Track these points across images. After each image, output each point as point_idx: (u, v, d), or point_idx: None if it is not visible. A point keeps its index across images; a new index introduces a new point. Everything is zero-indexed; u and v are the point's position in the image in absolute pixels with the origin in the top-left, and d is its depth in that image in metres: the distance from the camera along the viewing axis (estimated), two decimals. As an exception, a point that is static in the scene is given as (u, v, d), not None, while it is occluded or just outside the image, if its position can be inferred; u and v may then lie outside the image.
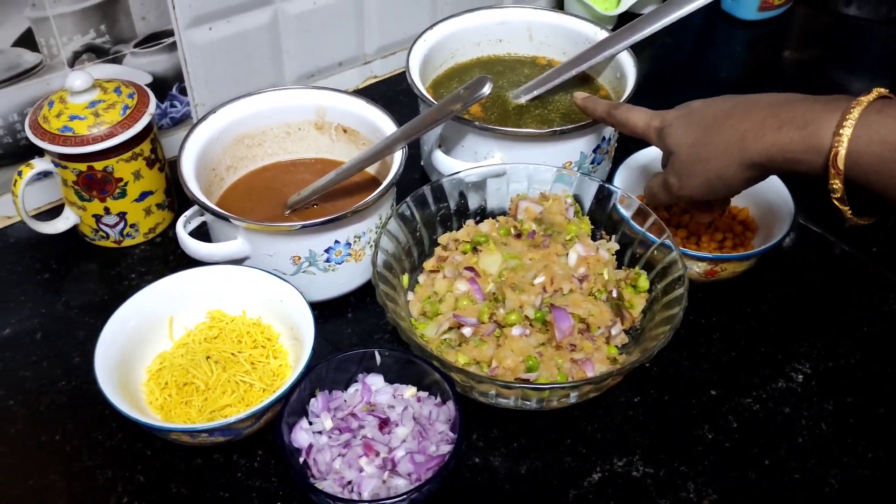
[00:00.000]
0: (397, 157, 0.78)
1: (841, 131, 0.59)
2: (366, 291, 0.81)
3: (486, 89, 0.74)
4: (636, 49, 0.89)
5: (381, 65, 1.11)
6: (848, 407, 0.74)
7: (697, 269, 0.79)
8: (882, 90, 0.61)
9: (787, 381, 0.76)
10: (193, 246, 0.74)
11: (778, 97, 0.65)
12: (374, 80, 1.11)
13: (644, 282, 0.74)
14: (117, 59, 0.87)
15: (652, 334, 0.70)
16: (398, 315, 0.69)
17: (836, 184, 0.60)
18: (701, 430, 0.72)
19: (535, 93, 0.91)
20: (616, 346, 0.72)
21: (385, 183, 0.76)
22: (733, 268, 0.80)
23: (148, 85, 0.90)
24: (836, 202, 0.62)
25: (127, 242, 0.86)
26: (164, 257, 0.86)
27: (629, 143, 0.93)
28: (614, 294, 0.74)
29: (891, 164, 0.58)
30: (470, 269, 0.75)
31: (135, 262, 0.85)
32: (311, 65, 1.03)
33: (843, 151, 0.59)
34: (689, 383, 0.76)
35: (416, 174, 0.96)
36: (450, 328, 0.72)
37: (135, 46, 0.87)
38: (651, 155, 0.89)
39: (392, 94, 1.07)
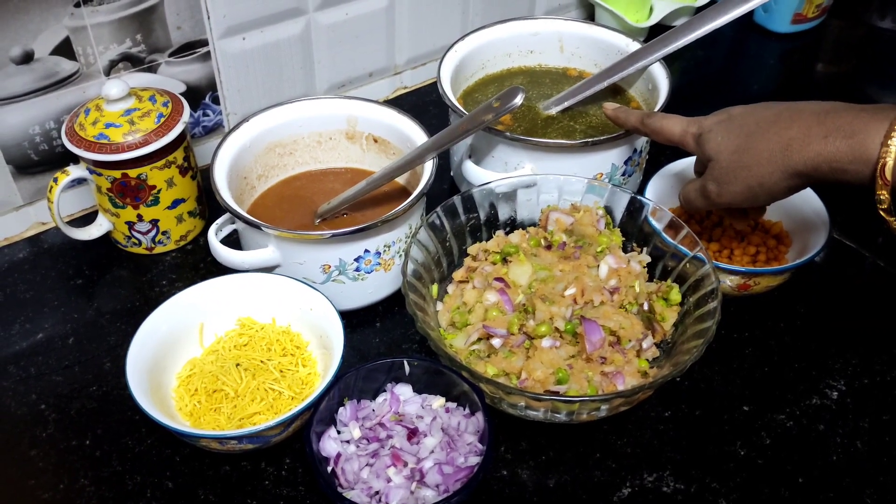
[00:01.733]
0: (428, 168, 0.78)
1: (889, 142, 0.58)
2: (394, 301, 0.81)
3: (519, 100, 0.74)
4: (667, 61, 0.88)
5: (411, 75, 1.11)
6: (884, 425, 0.73)
7: (730, 282, 0.79)
8: None
9: (821, 398, 0.75)
10: (225, 253, 0.75)
11: (823, 105, 0.64)
12: (403, 91, 1.12)
13: (676, 295, 0.73)
14: (152, 68, 0.88)
15: (684, 348, 0.69)
16: (427, 325, 0.69)
17: (884, 195, 0.59)
18: (733, 447, 0.71)
19: (566, 104, 0.91)
20: (647, 360, 0.71)
21: (415, 193, 0.76)
22: (767, 282, 0.79)
23: (182, 94, 0.91)
24: (882, 213, 0.61)
25: (159, 249, 0.87)
26: (195, 265, 0.86)
27: (660, 155, 0.92)
28: (645, 307, 0.73)
29: None
30: (500, 279, 0.74)
31: (166, 269, 0.86)
32: (342, 75, 1.04)
33: (891, 162, 0.58)
34: (722, 398, 0.75)
35: (446, 184, 0.96)
36: (479, 339, 0.71)
37: (170, 56, 0.88)
38: (683, 166, 0.88)
39: (421, 105, 1.08)
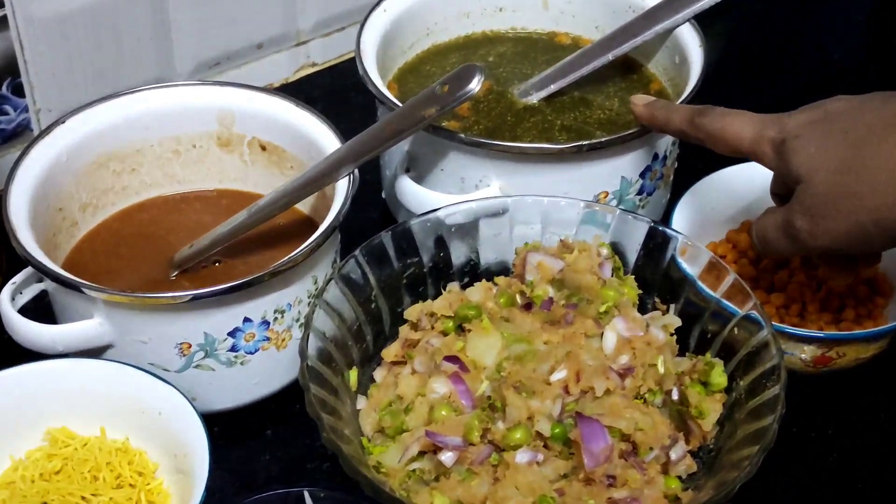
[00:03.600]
0: (341, 189, 0.78)
1: None
2: (294, 394, 0.78)
3: (475, 84, 0.73)
4: (704, 20, 0.89)
5: (321, 46, 1.11)
6: None
7: (803, 355, 0.79)
8: None
9: (943, 527, 0.74)
10: (27, 329, 0.74)
11: None
12: (312, 70, 1.12)
13: (720, 376, 0.73)
14: (-84, 44, 0.87)
15: (733, 458, 0.68)
16: (339, 435, 0.68)
17: None
18: None
19: (554, 87, 0.91)
20: (679, 478, 0.71)
21: (323, 227, 0.76)
22: (856, 352, 0.79)
23: (-37, 81, 0.90)
24: None
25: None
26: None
27: (696, 159, 0.93)
28: (675, 396, 0.73)
29: None
30: (453, 359, 0.74)
31: (-64, 353, 0.85)
32: (216, 48, 1.04)
33: None
34: (794, 533, 0.74)
35: (375, 212, 0.96)
36: (421, 453, 0.70)
37: (-56, 24, 0.88)
38: (732, 177, 0.88)
39: (340, 91, 1.08)
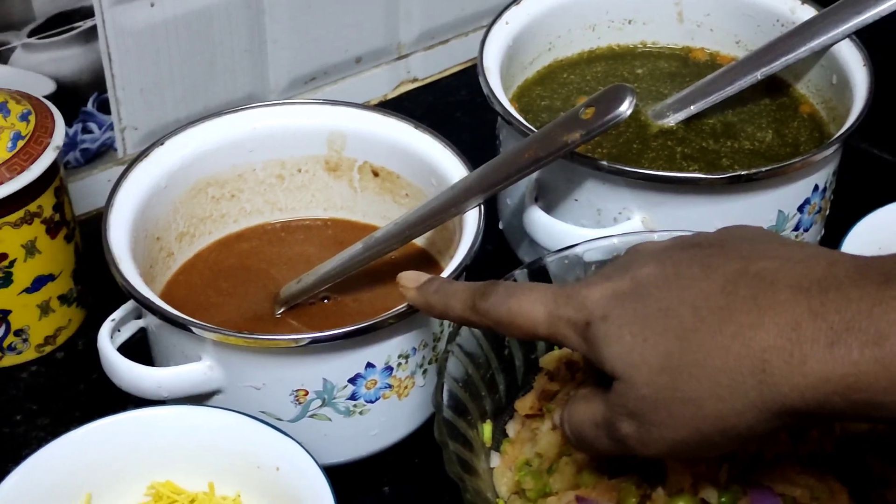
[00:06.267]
0: (470, 222, 0.78)
1: None
2: (413, 447, 0.80)
3: (626, 107, 0.72)
4: (866, 34, 0.88)
5: (423, 61, 1.13)
6: None
7: None
8: None
9: None
10: (128, 371, 0.74)
11: (811, 266, 0.57)
12: (412, 86, 1.13)
13: None
14: (2, 56, 0.88)
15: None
16: (482, 499, 0.66)
17: None
18: None
19: (694, 109, 0.91)
20: (863, 558, 0.69)
21: (453, 265, 0.75)
22: None
23: (50, 96, 0.90)
24: None
25: (9, 360, 0.86)
26: (72, 388, 0.85)
27: (858, 191, 0.92)
28: (852, 462, 0.70)
29: None
30: (598, 413, 0.72)
31: (21, 395, 0.85)
32: (313, 62, 1.05)
33: None
34: None
35: (491, 244, 0.94)
36: (569, 520, 0.69)
37: (30, 35, 0.89)
38: None
39: (443, 109, 1.09)
